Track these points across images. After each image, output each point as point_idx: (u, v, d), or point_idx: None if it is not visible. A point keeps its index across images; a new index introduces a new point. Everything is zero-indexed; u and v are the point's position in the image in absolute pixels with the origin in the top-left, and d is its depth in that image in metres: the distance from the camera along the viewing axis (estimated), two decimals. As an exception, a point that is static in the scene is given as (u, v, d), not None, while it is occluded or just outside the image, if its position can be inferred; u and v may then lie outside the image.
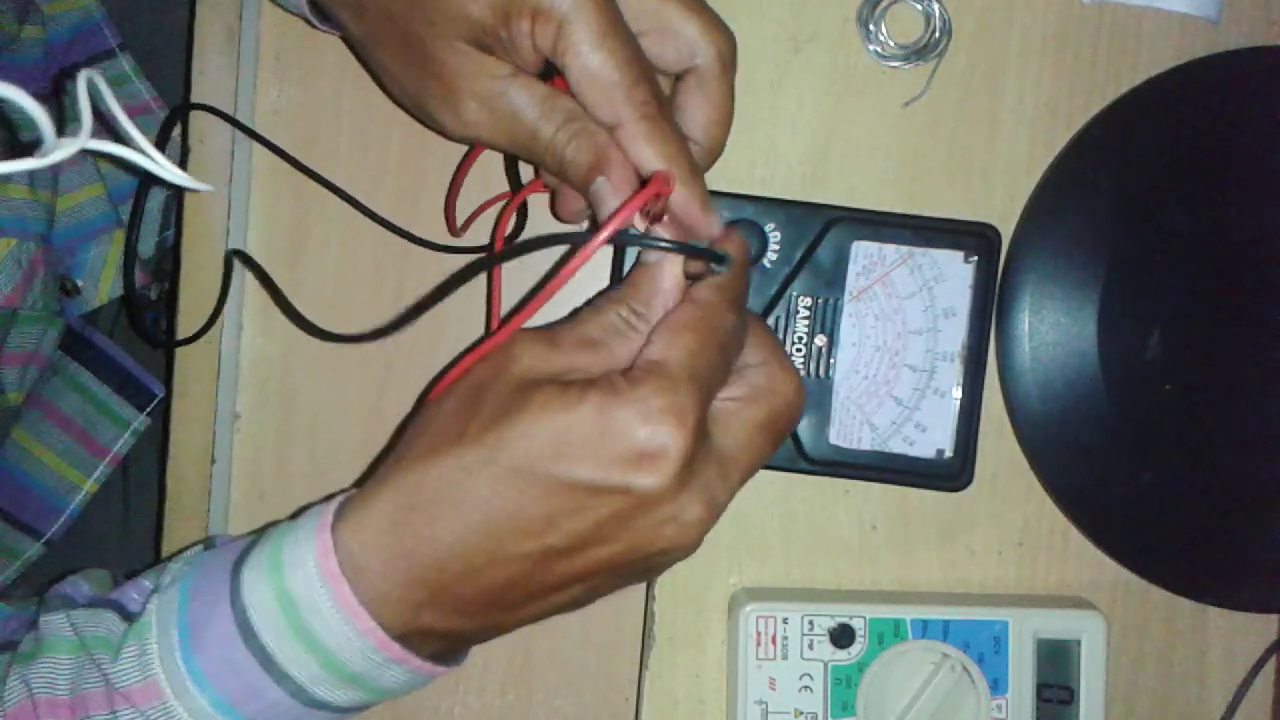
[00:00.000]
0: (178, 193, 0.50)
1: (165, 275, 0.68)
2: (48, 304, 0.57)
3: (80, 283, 0.64)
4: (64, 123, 0.59)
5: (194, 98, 0.49)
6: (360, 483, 0.39)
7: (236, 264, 0.49)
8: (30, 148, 0.30)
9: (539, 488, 0.33)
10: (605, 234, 0.35)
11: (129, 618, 0.38)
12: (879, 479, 0.47)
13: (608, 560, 0.35)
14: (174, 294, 0.50)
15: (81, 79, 0.32)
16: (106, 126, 0.34)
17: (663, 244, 0.38)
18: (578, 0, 0.36)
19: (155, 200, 0.66)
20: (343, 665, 0.35)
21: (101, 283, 0.65)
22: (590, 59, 0.36)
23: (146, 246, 0.68)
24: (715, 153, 0.42)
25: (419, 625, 0.36)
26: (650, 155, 0.38)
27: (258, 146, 0.49)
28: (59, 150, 0.30)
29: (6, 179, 0.53)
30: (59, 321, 0.59)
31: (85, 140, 0.31)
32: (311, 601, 0.34)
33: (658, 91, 0.38)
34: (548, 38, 0.36)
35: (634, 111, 0.37)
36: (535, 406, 0.33)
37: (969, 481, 0.46)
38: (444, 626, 0.36)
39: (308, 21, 0.44)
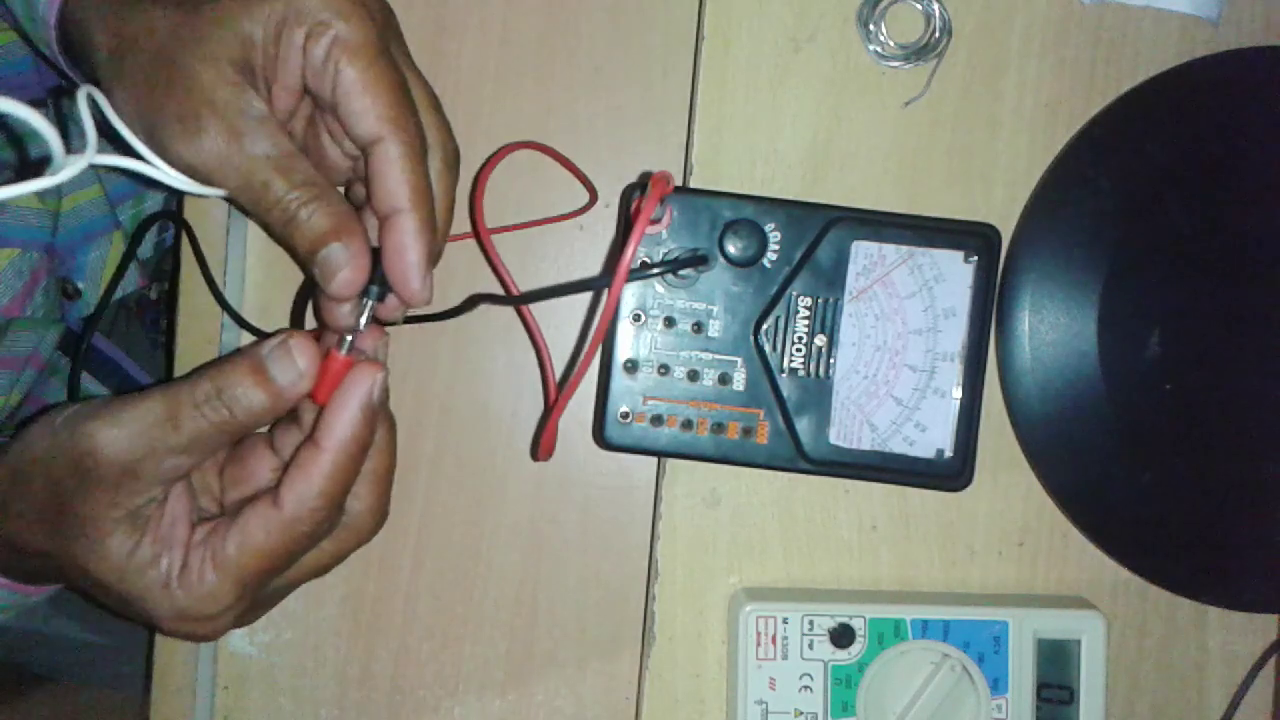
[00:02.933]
0: (177, 194, 0.50)
1: (165, 275, 0.68)
2: (50, 310, 0.57)
3: (81, 285, 0.64)
4: (65, 131, 0.59)
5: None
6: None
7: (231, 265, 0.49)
8: (37, 163, 0.31)
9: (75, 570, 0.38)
10: (625, 267, 0.37)
11: None
12: (879, 479, 0.47)
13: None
14: (174, 294, 0.50)
15: (82, 95, 0.32)
16: (109, 137, 0.35)
17: (656, 270, 0.40)
18: (355, 19, 0.36)
19: (155, 201, 0.66)
20: None
21: (103, 285, 0.65)
22: (366, 71, 0.37)
23: (146, 247, 0.68)
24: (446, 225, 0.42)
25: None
26: (402, 181, 0.37)
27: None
28: (68, 168, 0.30)
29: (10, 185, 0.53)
30: (59, 324, 0.59)
31: (92, 155, 0.32)
32: None
33: (420, 133, 0.39)
34: (321, 48, 0.36)
35: (399, 132, 0.37)
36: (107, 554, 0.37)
37: (969, 481, 0.46)
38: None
39: (57, 64, 0.43)
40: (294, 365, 0.37)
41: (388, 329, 0.41)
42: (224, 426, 0.37)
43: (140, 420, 0.36)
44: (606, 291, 0.38)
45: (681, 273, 0.45)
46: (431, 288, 0.39)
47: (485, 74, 0.49)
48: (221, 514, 0.40)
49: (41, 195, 0.55)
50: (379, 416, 0.39)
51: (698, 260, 0.44)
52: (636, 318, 0.45)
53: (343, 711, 0.50)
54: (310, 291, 0.48)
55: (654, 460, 0.50)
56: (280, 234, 0.38)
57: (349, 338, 0.39)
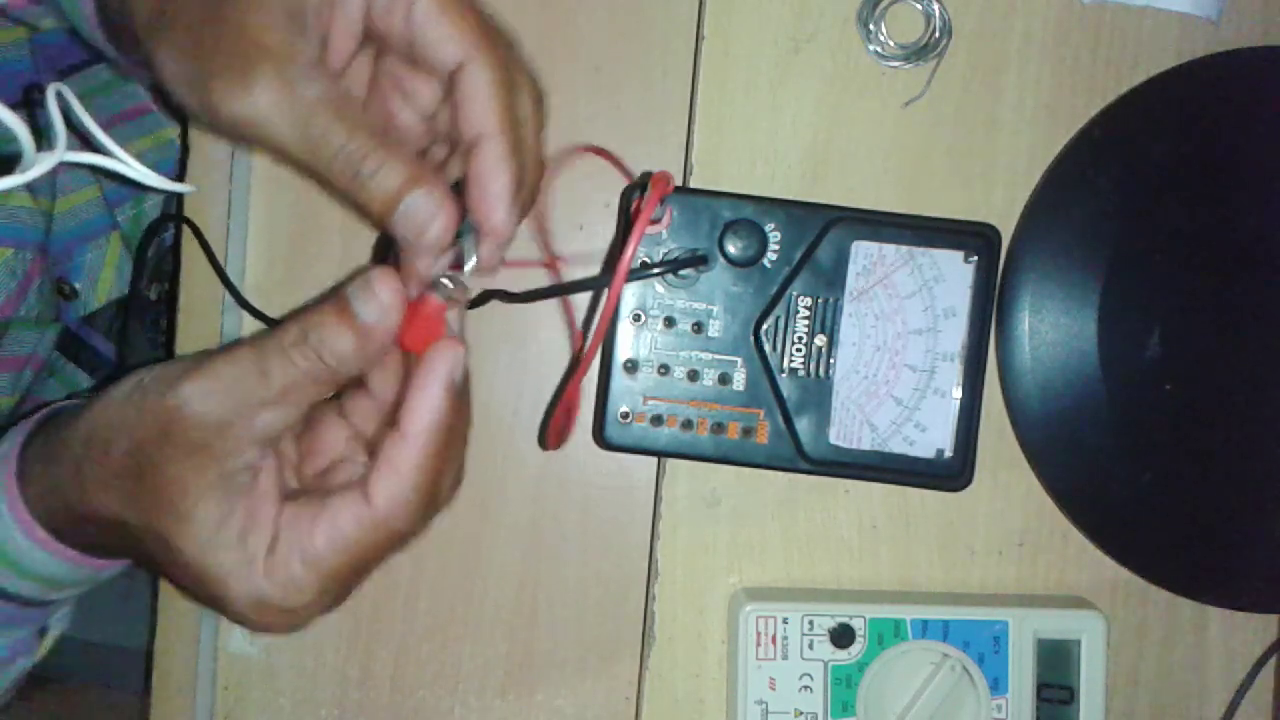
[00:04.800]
0: (178, 197, 0.50)
1: (165, 275, 0.68)
2: (45, 310, 0.57)
3: (78, 285, 0.64)
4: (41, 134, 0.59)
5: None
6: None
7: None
8: (8, 160, 0.31)
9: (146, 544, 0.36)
10: (624, 267, 0.36)
11: None
12: (879, 479, 0.47)
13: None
14: (174, 294, 0.50)
15: (51, 92, 0.32)
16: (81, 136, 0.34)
17: (656, 270, 0.40)
18: None
19: (155, 202, 0.66)
20: (55, 580, 0.40)
21: (99, 285, 0.65)
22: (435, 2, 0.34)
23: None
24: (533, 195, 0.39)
25: (57, 526, 0.39)
26: (490, 105, 0.35)
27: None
28: (37, 165, 0.30)
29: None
30: (56, 325, 0.59)
31: (62, 153, 0.31)
32: (9, 539, 0.38)
33: (508, 57, 0.36)
34: None
35: (485, 53, 0.35)
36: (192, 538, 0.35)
37: (969, 481, 0.46)
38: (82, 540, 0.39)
39: (94, 41, 0.42)
40: (376, 299, 0.34)
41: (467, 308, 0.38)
42: (313, 374, 0.34)
43: (230, 373, 0.34)
44: (607, 291, 0.38)
45: (682, 273, 0.45)
46: (517, 225, 0.36)
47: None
48: (301, 490, 0.38)
49: (35, 194, 0.55)
50: (464, 399, 0.36)
51: (697, 260, 0.44)
52: (636, 318, 0.45)
53: (343, 711, 0.50)
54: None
55: (654, 460, 0.50)
56: (348, 192, 0.34)
57: (444, 281, 0.36)
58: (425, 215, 0.34)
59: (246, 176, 0.49)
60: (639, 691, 0.49)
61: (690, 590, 0.49)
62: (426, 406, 0.35)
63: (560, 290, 0.44)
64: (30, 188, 0.55)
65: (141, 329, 0.68)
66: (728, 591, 0.49)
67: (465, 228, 0.36)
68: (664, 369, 0.46)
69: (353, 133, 0.33)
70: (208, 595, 0.35)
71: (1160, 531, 0.48)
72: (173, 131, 0.65)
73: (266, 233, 0.49)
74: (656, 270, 0.44)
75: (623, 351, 0.46)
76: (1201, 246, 0.47)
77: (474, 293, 0.37)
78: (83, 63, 0.64)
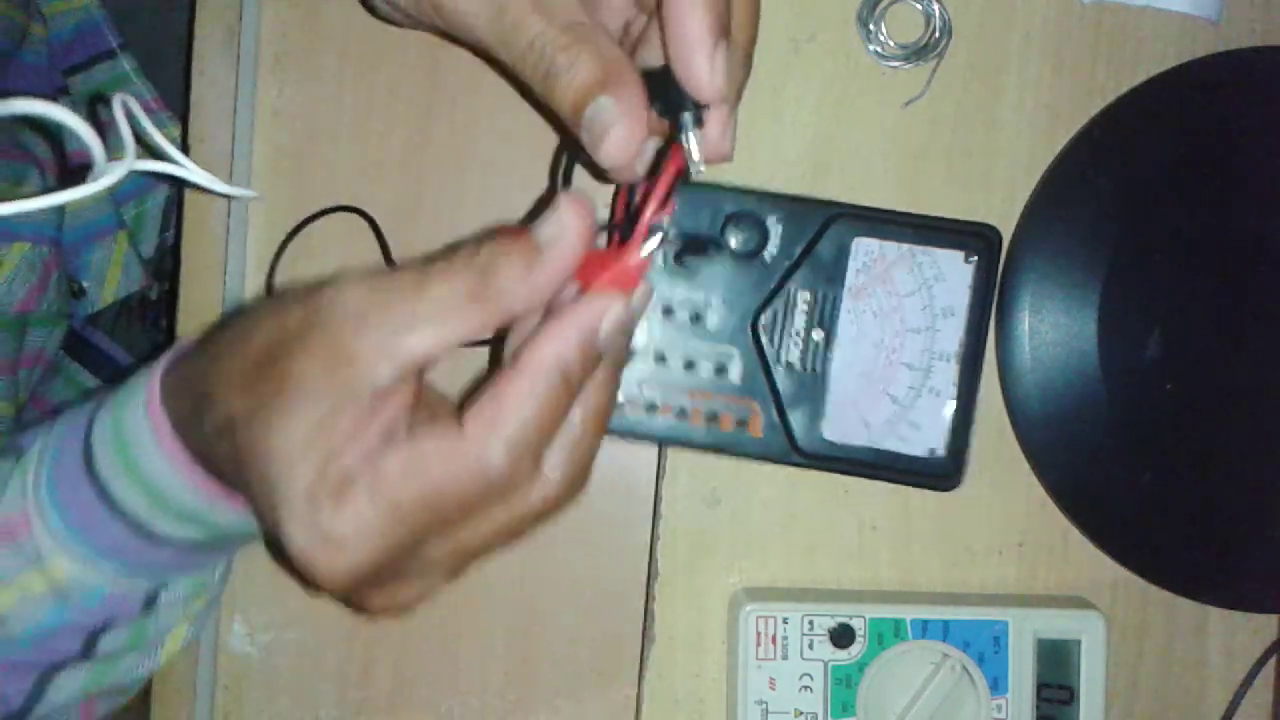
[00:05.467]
0: (178, 193, 0.50)
1: (165, 275, 0.68)
2: (61, 306, 0.57)
3: (86, 284, 0.64)
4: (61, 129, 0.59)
5: (194, 98, 0.49)
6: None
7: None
8: (77, 170, 0.31)
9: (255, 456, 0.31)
10: (643, 229, 0.32)
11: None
12: (870, 475, 0.47)
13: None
14: (174, 294, 0.50)
15: (117, 103, 0.32)
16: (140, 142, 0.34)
17: (674, 243, 0.39)
18: None
19: (156, 201, 0.66)
20: (171, 501, 0.36)
21: (106, 284, 0.65)
22: None
23: (147, 246, 0.68)
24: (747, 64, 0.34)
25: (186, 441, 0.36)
26: (700, 22, 0.31)
27: (257, 145, 0.49)
28: (109, 174, 0.30)
29: (21, 182, 0.53)
30: (64, 322, 0.59)
31: (132, 162, 0.31)
32: (137, 436, 0.35)
33: None
34: None
35: None
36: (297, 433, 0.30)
37: (959, 482, 0.46)
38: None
39: None
40: (557, 219, 0.30)
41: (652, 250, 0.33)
42: (473, 293, 0.30)
43: (390, 281, 0.30)
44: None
45: (685, 260, 0.44)
46: (727, 85, 0.32)
47: (486, 73, 0.49)
48: None
49: (46, 190, 0.55)
50: (603, 353, 0.31)
51: (709, 243, 0.44)
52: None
53: (343, 711, 0.50)
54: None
55: (654, 460, 0.50)
56: (540, 91, 0.31)
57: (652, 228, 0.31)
58: (607, 122, 0.30)
59: (247, 176, 0.49)
60: (639, 691, 0.49)
61: (690, 590, 0.49)
62: (551, 344, 0.30)
63: None
64: (43, 181, 0.55)
65: (142, 329, 0.68)
66: (728, 591, 0.49)
67: (685, 123, 0.32)
68: (660, 357, 0.46)
69: (548, 25, 0.30)
70: (273, 519, 0.30)
71: (1160, 531, 0.48)
72: (173, 131, 0.66)
73: (266, 232, 0.49)
74: (674, 244, 0.42)
75: None
76: (1201, 246, 0.47)
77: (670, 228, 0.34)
78: (85, 61, 0.65)
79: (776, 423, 0.46)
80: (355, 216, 0.49)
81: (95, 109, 0.59)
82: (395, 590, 0.32)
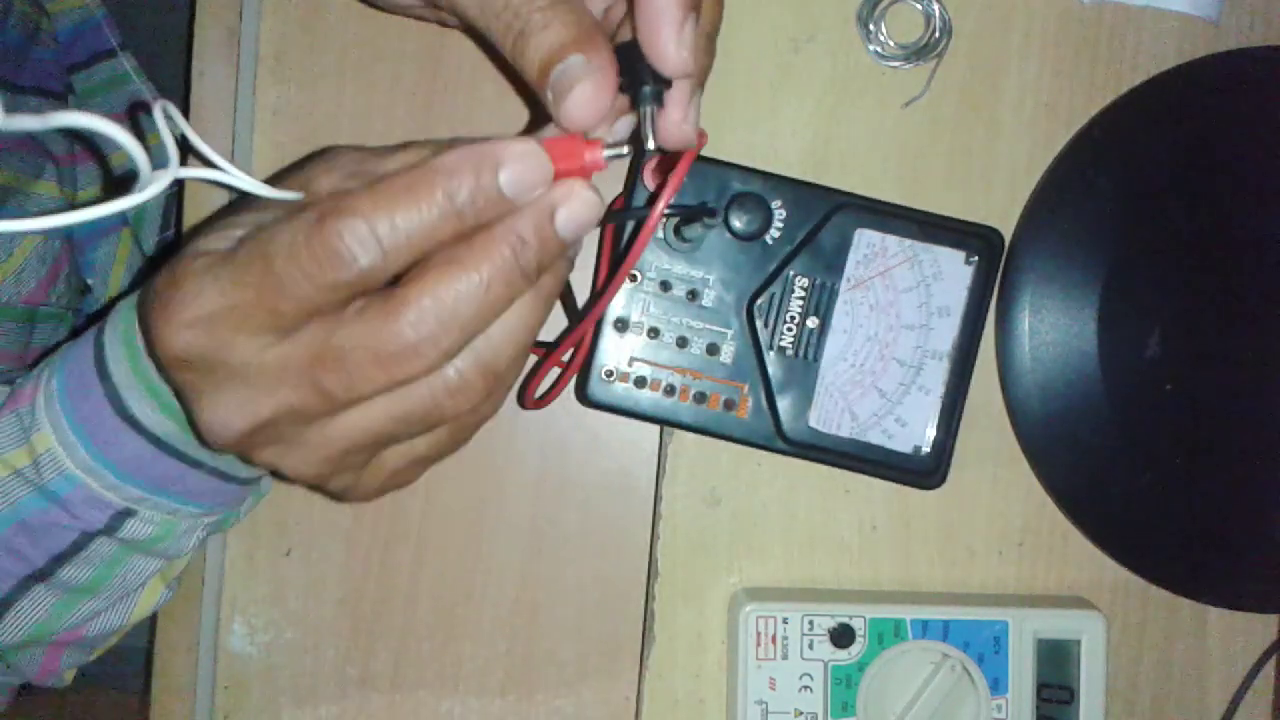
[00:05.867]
0: (178, 193, 0.50)
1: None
2: (70, 300, 0.57)
3: (91, 282, 0.64)
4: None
5: (194, 97, 0.49)
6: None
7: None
8: (122, 178, 0.30)
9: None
10: (662, 204, 0.33)
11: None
12: (853, 468, 0.47)
13: None
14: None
15: (158, 109, 0.32)
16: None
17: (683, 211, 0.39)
18: None
19: (155, 200, 0.66)
20: (146, 369, 0.36)
21: (111, 282, 0.65)
22: None
23: (148, 246, 0.68)
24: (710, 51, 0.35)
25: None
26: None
27: (257, 145, 0.49)
28: (154, 184, 0.29)
29: (39, 175, 0.53)
30: (70, 318, 0.59)
31: (176, 170, 0.31)
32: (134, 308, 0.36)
33: None
34: None
35: None
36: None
37: (942, 481, 0.46)
38: None
39: None
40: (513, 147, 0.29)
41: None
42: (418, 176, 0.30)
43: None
44: (644, 222, 0.34)
45: (685, 234, 0.44)
46: (693, 60, 0.32)
47: (485, 73, 0.49)
48: None
49: (61, 184, 0.55)
50: (540, 260, 0.30)
51: (706, 212, 0.44)
52: (633, 278, 0.45)
53: (343, 712, 0.50)
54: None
55: (654, 460, 0.50)
56: (511, 52, 0.31)
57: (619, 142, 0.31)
58: (572, 78, 0.30)
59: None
60: (639, 691, 0.49)
61: (690, 590, 0.49)
62: (489, 237, 0.29)
63: (604, 219, 0.42)
64: (59, 176, 0.55)
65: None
66: (728, 591, 0.49)
67: (645, 96, 0.32)
68: (654, 332, 0.46)
69: None
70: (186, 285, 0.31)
71: (1160, 531, 0.48)
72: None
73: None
74: (671, 214, 0.42)
75: (614, 309, 0.45)
76: (1201, 246, 0.47)
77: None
78: (85, 60, 0.65)
79: (764, 407, 0.46)
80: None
81: (135, 116, 0.59)
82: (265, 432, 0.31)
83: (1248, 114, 0.48)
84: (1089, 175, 0.47)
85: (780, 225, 0.45)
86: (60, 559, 0.41)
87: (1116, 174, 0.47)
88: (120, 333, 0.37)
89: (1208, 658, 0.50)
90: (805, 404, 0.46)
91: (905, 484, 0.47)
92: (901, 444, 0.46)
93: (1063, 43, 0.48)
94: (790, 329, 0.46)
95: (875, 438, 0.46)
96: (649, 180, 0.44)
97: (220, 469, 0.40)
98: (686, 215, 0.43)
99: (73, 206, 0.56)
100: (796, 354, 0.46)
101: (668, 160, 0.39)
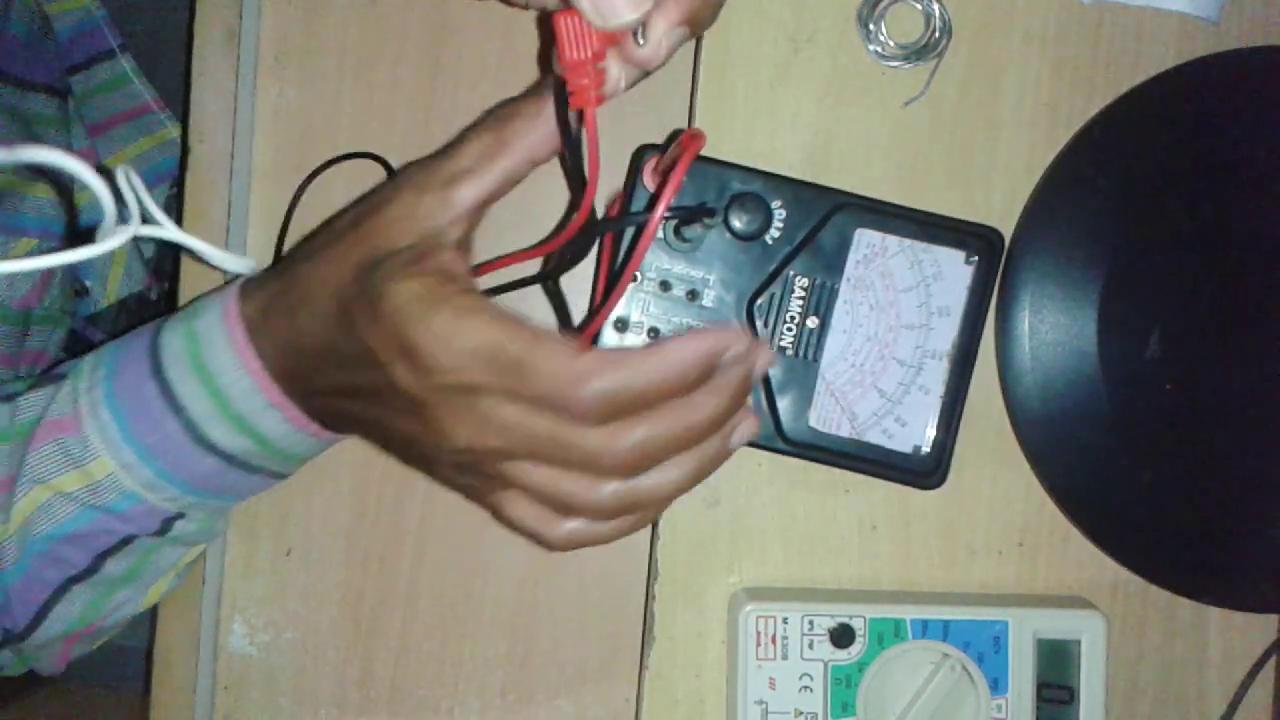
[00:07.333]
0: (178, 193, 0.50)
1: (165, 276, 0.68)
2: (64, 304, 0.57)
3: (89, 284, 0.64)
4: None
5: (194, 97, 0.49)
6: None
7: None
8: (88, 229, 0.32)
9: (353, 332, 0.36)
10: (662, 208, 0.35)
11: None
12: (852, 468, 0.47)
13: (373, 426, 0.39)
14: (173, 294, 0.50)
15: (120, 175, 0.35)
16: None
17: (670, 215, 0.40)
18: None
19: (156, 201, 0.66)
20: (229, 401, 0.39)
21: (109, 284, 0.65)
22: None
23: (147, 247, 0.68)
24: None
25: (290, 384, 0.40)
26: None
27: (257, 145, 0.49)
28: (115, 236, 0.34)
29: (37, 177, 0.53)
30: (66, 321, 0.59)
31: (137, 228, 0.35)
32: (210, 338, 0.39)
33: None
34: None
35: None
36: (402, 295, 0.34)
37: (942, 481, 0.46)
38: (309, 405, 0.40)
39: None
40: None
41: None
42: (495, 141, 0.38)
43: (432, 156, 0.38)
44: (644, 227, 0.36)
45: (685, 234, 0.44)
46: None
47: (485, 73, 0.49)
48: None
49: (59, 189, 0.55)
50: (721, 384, 0.35)
51: (706, 212, 0.44)
52: (633, 278, 0.45)
53: (342, 711, 0.50)
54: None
55: (654, 460, 0.50)
56: None
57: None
58: None
59: (247, 176, 0.49)
60: (639, 691, 0.49)
61: (690, 590, 0.49)
62: (687, 342, 0.33)
63: (603, 227, 0.44)
64: (55, 181, 0.55)
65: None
66: (728, 591, 0.49)
67: None
68: (654, 332, 0.45)
69: None
70: (373, 287, 0.35)
71: (1160, 531, 0.48)
72: (173, 131, 0.65)
73: (266, 232, 0.49)
74: (670, 216, 0.43)
75: (614, 309, 0.45)
76: (1201, 246, 0.47)
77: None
78: (85, 61, 0.65)
79: (764, 407, 0.46)
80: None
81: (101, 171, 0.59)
82: (466, 407, 0.34)
83: (1248, 114, 0.48)
84: (1089, 175, 0.47)
85: (780, 225, 0.45)
86: (105, 555, 0.43)
87: (1116, 174, 0.47)
88: (188, 366, 0.40)
89: (1208, 658, 0.50)
90: (805, 404, 0.46)
91: (905, 484, 0.47)
92: (901, 444, 0.46)
93: (1063, 43, 0.48)
94: (790, 329, 0.46)
95: (875, 437, 0.46)
96: (648, 181, 0.44)
97: (279, 471, 0.44)
98: (686, 216, 0.43)
99: (70, 208, 0.56)
100: (796, 354, 0.46)
101: (667, 160, 0.39)
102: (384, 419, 0.37)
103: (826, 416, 0.46)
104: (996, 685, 0.47)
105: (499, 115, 0.38)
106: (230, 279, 0.42)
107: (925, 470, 0.46)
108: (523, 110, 0.37)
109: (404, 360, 0.34)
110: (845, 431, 0.46)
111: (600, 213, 0.48)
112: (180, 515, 0.43)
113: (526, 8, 0.42)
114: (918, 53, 0.48)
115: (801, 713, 0.46)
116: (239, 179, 0.49)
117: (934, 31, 0.48)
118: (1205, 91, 0.48)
